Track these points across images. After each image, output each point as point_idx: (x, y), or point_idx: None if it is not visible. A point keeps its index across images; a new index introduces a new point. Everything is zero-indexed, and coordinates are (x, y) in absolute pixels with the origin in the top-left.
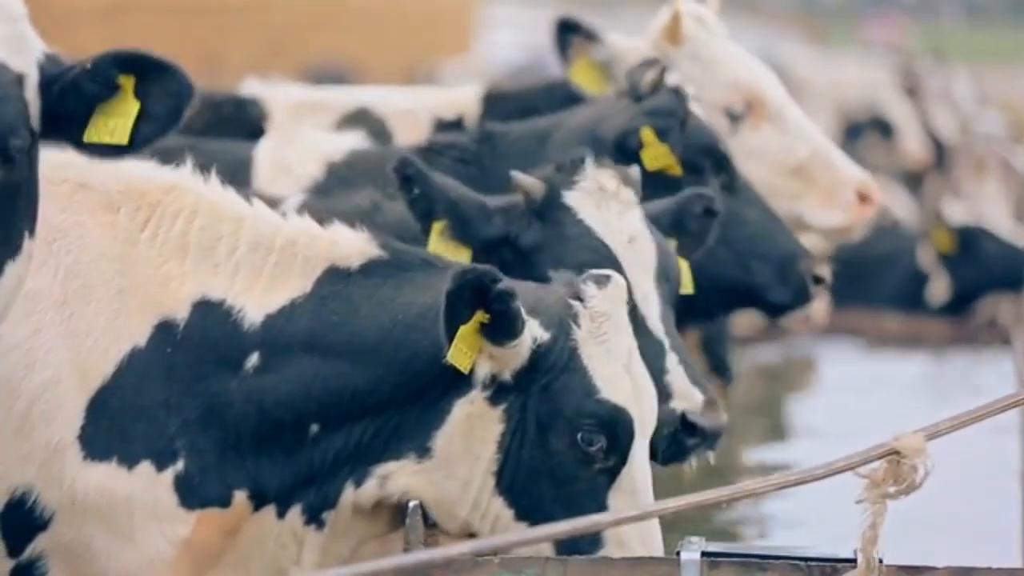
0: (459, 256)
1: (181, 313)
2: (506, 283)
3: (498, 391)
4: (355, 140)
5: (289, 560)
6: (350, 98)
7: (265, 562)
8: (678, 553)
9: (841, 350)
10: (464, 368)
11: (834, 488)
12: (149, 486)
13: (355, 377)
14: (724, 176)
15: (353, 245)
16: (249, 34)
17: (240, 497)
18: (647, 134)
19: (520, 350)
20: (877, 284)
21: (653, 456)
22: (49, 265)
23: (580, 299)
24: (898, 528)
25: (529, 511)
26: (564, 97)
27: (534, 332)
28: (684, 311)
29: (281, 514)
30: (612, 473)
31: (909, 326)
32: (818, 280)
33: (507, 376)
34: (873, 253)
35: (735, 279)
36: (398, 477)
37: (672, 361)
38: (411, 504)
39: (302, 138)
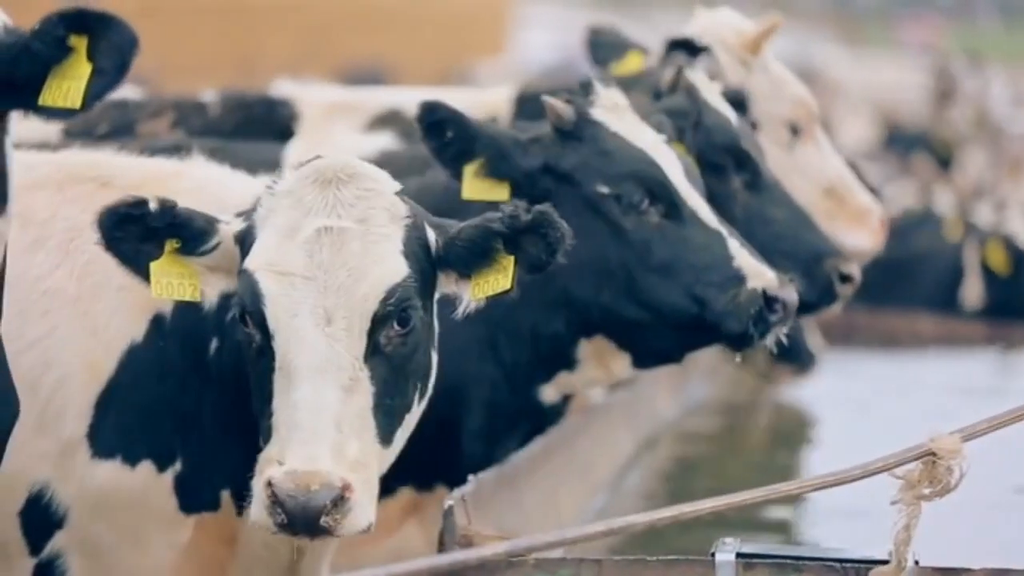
0: (498, 193)
1: (168, 304)
2: (158, 198)
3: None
4: (386, 141)
5: (284, 565)
6: (382, 99)
7: (267, 569)
8: (713, 554)
9: (873, 351)
10: (193, 297)
11: (871, 489)
12: (151, 487)
13: None
14: (746, 174)
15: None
16: (283, 35)
17: (226, 498)
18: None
19: (228, 247)
20: (911, 285)
21: (744, 338)
22: (66, 264)
23: (271, 182)
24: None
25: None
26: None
27: (228, 228)
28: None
29: None
30: (269, 353)
31: (944, 327)
32: (846, 278)
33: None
34: (908, 253)
35: None
36: None
37: (735, 246)
38: (446, 504)
39: (333, 139)
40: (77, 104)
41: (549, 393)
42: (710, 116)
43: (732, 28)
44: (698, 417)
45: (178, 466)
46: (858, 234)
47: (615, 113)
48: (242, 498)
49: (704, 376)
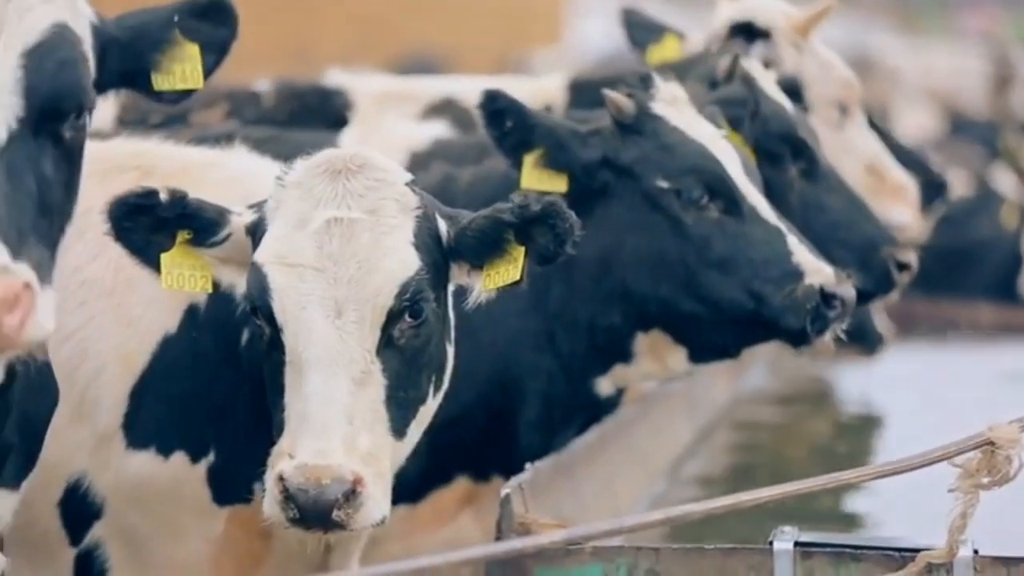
0: (556, 184)
1: (202, 296)
2: (168, 189)
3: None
4: (439, 130)
5: (316, 559)
6: (435, 88)
7: (301, 563)
8: (771, 543)
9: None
10: (204, 289)
11: (931, 478)
12: (185, 478)
13: None
14: (803, 162)
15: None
16: (339, 24)
17: (258, 489)
18: (723, 124)
19: (239, 238)
20: (970, 273)
21: (802, 334)
22: (104, 255)
23: (281, 173)
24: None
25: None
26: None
27: (240, 219)
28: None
29: None
30: (279, 346)
31: (1002, 315)
32: (903, 267)
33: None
34: (967, 241)
35: None
36: None
37: (794, 242)
38: (503, 492)
39: (386, 128)
40: (199, 84)
41: (605, 386)
42: (766, 105)
43: (782, 12)
44: (757, 404)
45: (211, 457)
46: (899, 209)
47: (674, 106)
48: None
49: (763, 364)
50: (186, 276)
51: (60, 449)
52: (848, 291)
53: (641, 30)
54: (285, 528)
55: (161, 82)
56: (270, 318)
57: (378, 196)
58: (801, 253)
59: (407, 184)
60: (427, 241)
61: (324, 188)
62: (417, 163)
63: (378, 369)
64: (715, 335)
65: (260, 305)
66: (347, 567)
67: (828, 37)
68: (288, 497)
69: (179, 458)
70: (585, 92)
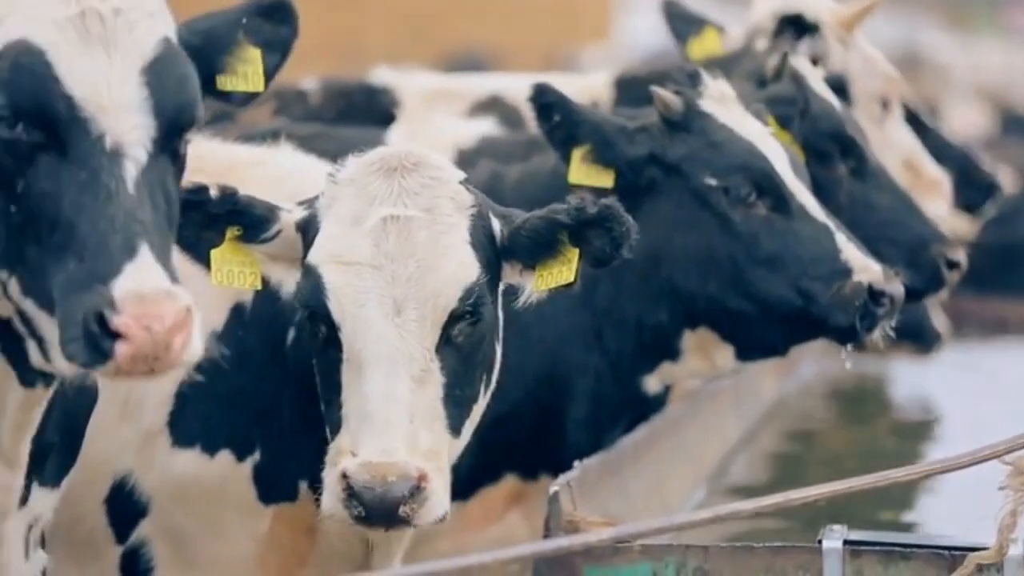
0: (603, 179)
1: (248, 294)
2: (219, 185)
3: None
4: (486, 127)
5: (360, 558)
6: (482, 85)
7: (344, 562)
8: (820, 541)
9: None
10: (253, 285)
11: (981, 476)
12: (230, 476)
13: None
14: (852, 160)
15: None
16: (387, 20)
17: (303, 488)
18: (769, 121)
19: (289, 235)
20: (1019, 271)
21: (850, 331)
22: None
23: (333, 170)
24: None
25: (324, 408)
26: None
27: (290, 216)
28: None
29: None
30: (336, 345)
31: None
32: (952, 265)
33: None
34: (1016, 239)
35: None
36: None
37: (842, 240)
38: (552, 490)
39: (433, 125)
40: (260, 87)
41: (652, 383)
42: (815, 103)
43: (827, 7)
44: (806, 402)
45: (257, 456)
46: (936, 203)
47: (722, 104)
48: (319, 489)
49: (813, 360)
50: (236, 272)
51: (106, 447)
52: (897, 288)
53: (682, 22)
54: (349, 525)
55: (227, 83)
56: (327, 317)
57: (433, 194)
58: (849, 250)
59: (461, 182)
60: (482, 240)
61: (379, 185)
62: (464, 160)
63: (436, 367)
64: (763, 332)
65: (316, 304)
66: (390, 565)
67: (877, 34)
68: (353, 495)
69: (225, 457)
70: (631, 89)
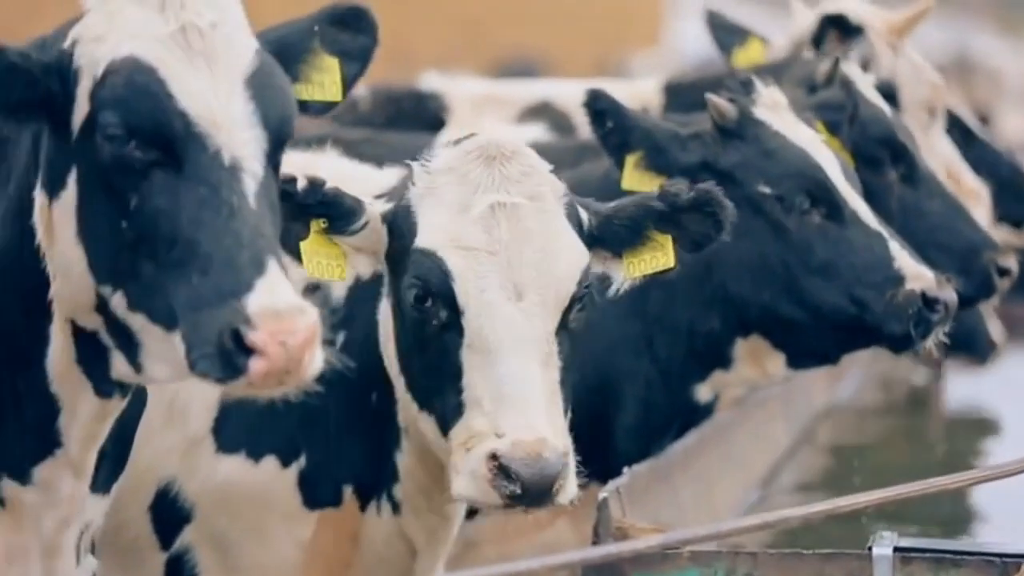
0: (655, 186)
1: None
2: (307, 176)
3: (388, 286)
4: (536, 133)
5: (402, 560)
6: (532, 91)
7: (388, 568)
8: (870, 548)
9: None
10: (340, 277)
11: None
12: (275, 482)
13: None
14: (903, 167)
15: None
16: (438, 27)
17: (348, 493)
18: (818, 127)
19: (375, 227)
20: None
21: (904, 339)
22: None
23: (423, 160)
24: None
25: (418, 396)
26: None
27: (378, 207)
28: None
29: (379, 509)
30: (456, 329)
31: None
32: (1003, 271)
33: (384, 264)
34: None
35: None
36: (406, 420)
37: (895, 247)
38: (601, 497)
39: (483, 130)
40: (338, 96)
41: (704, 392)
42: (866, 109)
43: (877, 13)
44: (856, 409)
45: (302, 461)
46: (977, 212)
47: (775, 111)
48: (366, 494)
49: (863, 367)
50: (324, 265)
51: (151, 454)
52: (950, 295)
53: (725, 33)
54: (496, 508)
55: (304, 92)
56: (449, 302)
57: (533, 182)
58: (902, 258)
59: (551, 172)
60: (575, 227)
61: (481, 173)
62: None
63: (555, 351)
64: (815, 340)
65: (438, 289)
66: (434, 572)
67: (928, 39)
68: (506, 474)
69: (270, 462)
70: (681, 95)
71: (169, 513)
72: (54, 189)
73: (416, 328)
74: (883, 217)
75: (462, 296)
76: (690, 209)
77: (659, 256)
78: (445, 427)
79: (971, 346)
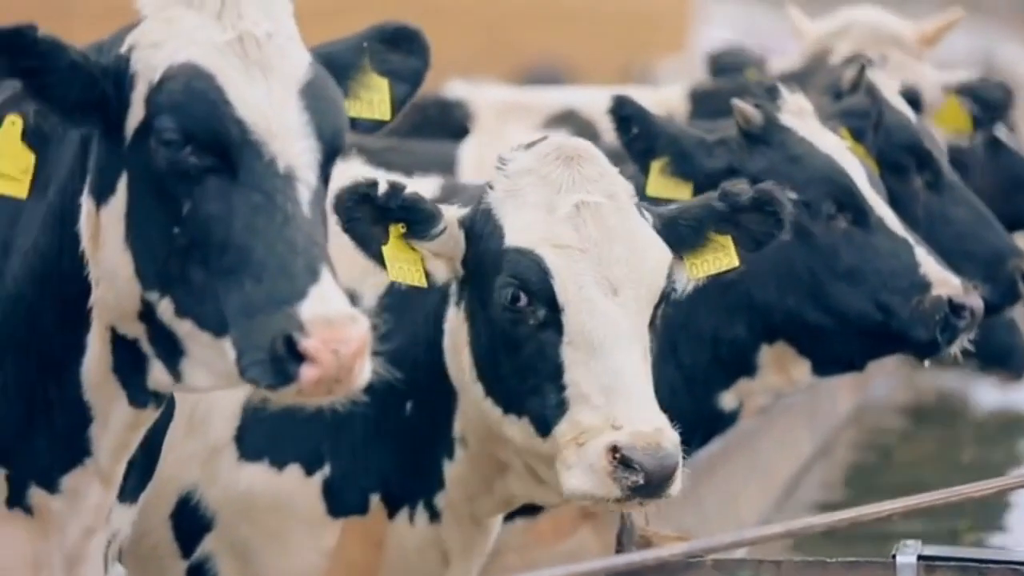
0: (680, 192)
1: None
2: (388, 180)
3: (459, 291)
4: None
5: (434, 569)
6: (556, 99)
7: None
8: (894, 556)
9: None
10: (420, 282)
11: None
12: (299, 490)
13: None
14: (928, 174)
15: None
16: (463, 33)
17: (375, 501)
18: (843, 134)
19: (452, 232)
20: None
21: (931, 345)
22: None
23: (501, 165)
24: None
25: (503, 399)
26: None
27: (455, 212)
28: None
29: (412, 518)
30: (554, 326)
31: None
32: None
33: (459, 267)
34: None
35: None
36: (464, 430)
37: (921, 253)
38: None
39: (508, 139)
40: (387, 116)
41: (728, 400)
42: (891, 116)
43: (905, 23)
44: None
45: (327, 470)
46: None
47: (800, 118)
48: (395, 502)
49: (886, 375)
50: (404, 270)
51: (173, 462)
52: (976, 301)
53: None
54: (612, 502)
55: (352, 109)
56: (549, 299)
57: (608, 182)
58: (928, 264)
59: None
60: None
61: (561, 174)
62: None
63: (648, 346)
64: (841, 347)
65: (538, 287)
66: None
67: (954, 46)
68: (628, 465)
69: (293, 470)
70: (707, 101)
71: (190, 521)
72: (103, 195)
73: (508, 329)
74: (909, 224)
75: (562, 293)
76: (750, 209)
77: (722, 256)
78: (545, 427)
79: (1006, 361)
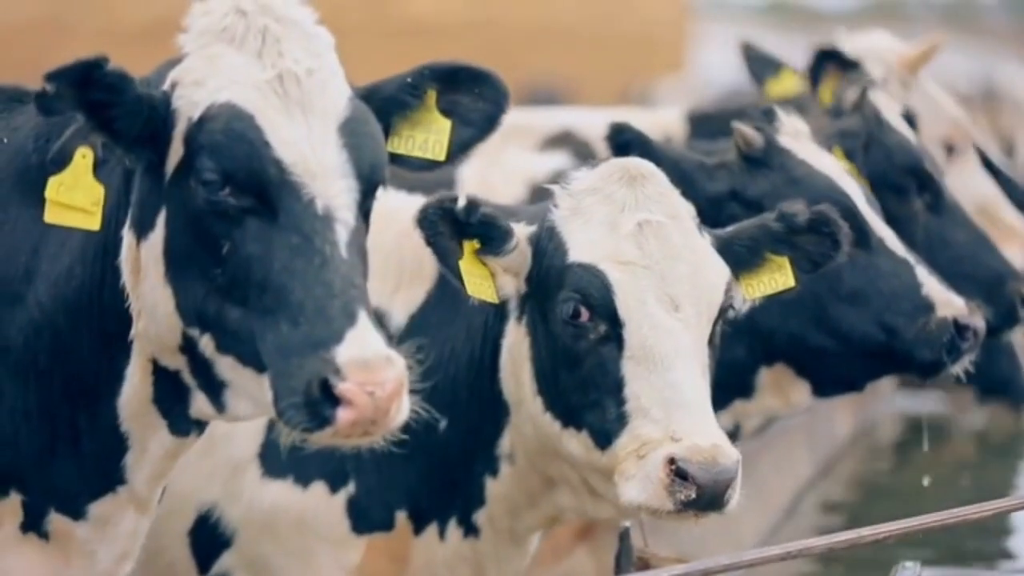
0: None
1: None
2: (467, 197)
3: (520, 308)
4: (560, 161)
5: None
6: (554, 120)
7: None
8: None
9: None
10: (492, 297)
11: None
12: (323, 507)
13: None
14: (928, 196)
15: None
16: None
17: (401, 518)
18: (836, 153)
19: (521, 247)
20: None
21: (936, 365)
22: None
23: (564, 184)
24: None
25: (562, 414)
26: (767, 116)
27: (524, 229)
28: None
29: (442, 533)
30: (615, 341)
31: None
32: None
33: (523, 285)
34: None
35: None
36: (514, 446)
37: (923, 274)
38: (623, 525)
39: (506, 160)
40: (441, 157)
41: (722, 421)
42: (892, 137)
43: (892, 48)
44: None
45: (351, 487)
46: (1010, 251)
47: (797, 141)
48: (422, 518)
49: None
50: (478, 284)
51: (192, 479)
52: (979, 322)
53: (760, 64)
54: (668, 513)
55: (401, 146)
56: (610, 315)
57: (670, 202)
58: (931, 284)
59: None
60: None
61: (625, 194)
62: (538, 195)
63: (707, 363)
64: (843, 368)
65: (600, 302)
66: None
67: (953, 69)
68: (684, 478)
69: (318, 488)
70: (704, 124)
71: (209, 538)
72: (143, 229)
73: (569, 343)
74: (908, 245)
75: (623, 308)
76: (807, 230)
77: (778, 277)
78: (605, 440)
79: (1008, 391)
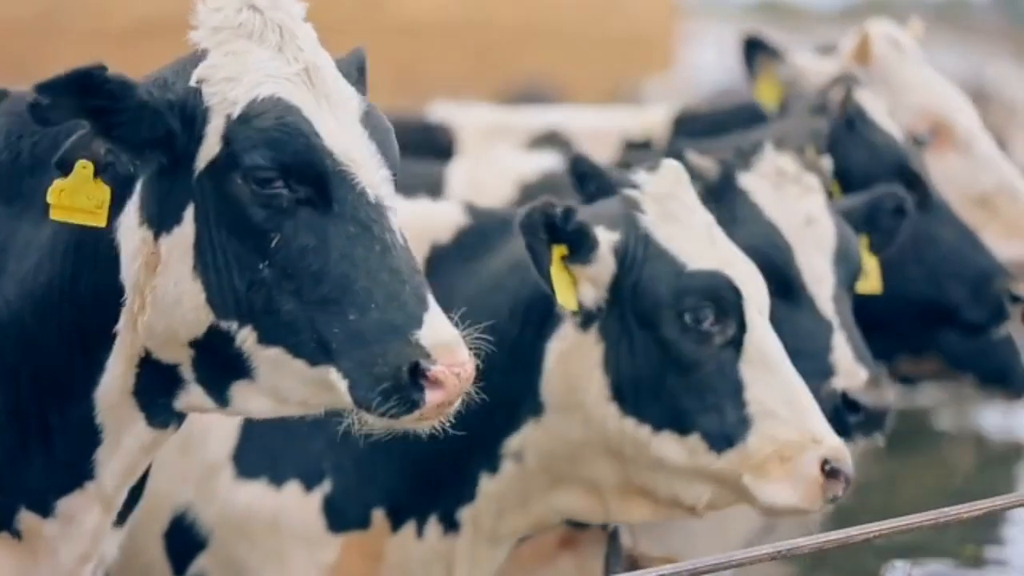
0: None
1: None
2: (562, 203)
3: (585, 315)
4: (549, 162)
5: None
6: (540, 120)
7: None
8: None
9: None
10: (573, 305)
11: None
12: (297, 507)
13: None
14: (915, 194)
15: (446, 217)
16: (449, 52)
17: (378, 516)
18: (810, 152)
19: (605, 258)
20: None
21: None
22: None
23: (636, 187)
24: None
25: (665, 417)
26: (753, 117)
27: (606, 236)
28: (880, 335)
29: (420, 530)
30: (735, 344)
31: None
32: (1016, 299)
33: (603, 292)
34: None
35: (928, 298)
36: (526, 445)
37: (839, 340)
38: (611, 528)
39: (495, 160)
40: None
41: None
42: (878, 136)
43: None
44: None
45: (327, 486)
46: (1011, 244)
47: (771, 181)
48: (400, 515)
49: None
50: (564, 292)
51: (167, 480)
52: (878, 400)
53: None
54: (812, 511)
55: None
56: (740, 319)
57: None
58: (841, 352)
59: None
60: None
61: (692, 196)
62: (528, 195)
63: None
64: None
65: (732, 307)
66: None
67: (943, 67)
68: (835, 478)
69: (292, 487)
70: (690, 124)
71: (184, 539)
72: (164, 225)
73: (686, 349)
74: (895, 245)
75: (749, 315)
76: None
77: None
78: (724, 443)
79: (1006, 380)
